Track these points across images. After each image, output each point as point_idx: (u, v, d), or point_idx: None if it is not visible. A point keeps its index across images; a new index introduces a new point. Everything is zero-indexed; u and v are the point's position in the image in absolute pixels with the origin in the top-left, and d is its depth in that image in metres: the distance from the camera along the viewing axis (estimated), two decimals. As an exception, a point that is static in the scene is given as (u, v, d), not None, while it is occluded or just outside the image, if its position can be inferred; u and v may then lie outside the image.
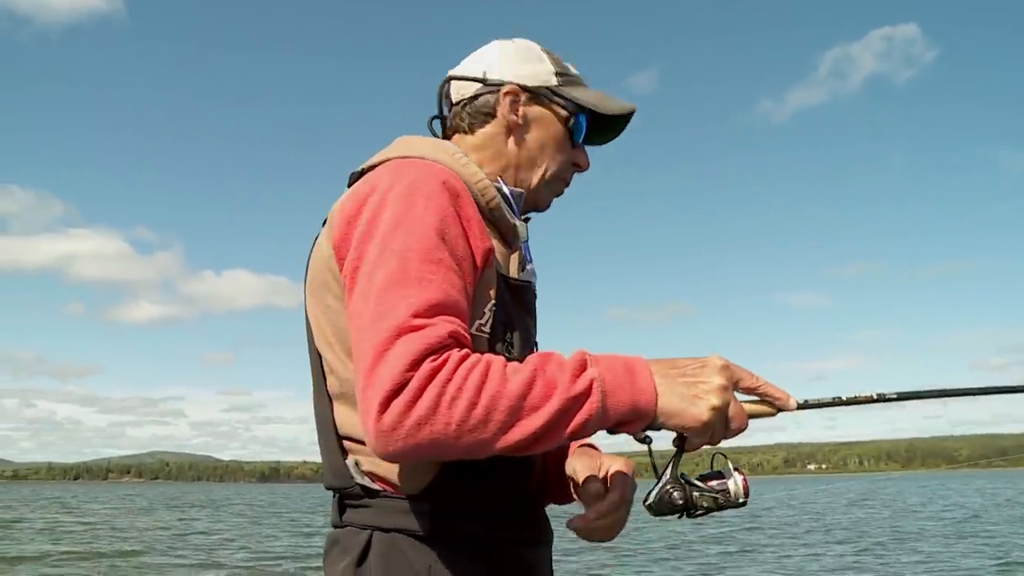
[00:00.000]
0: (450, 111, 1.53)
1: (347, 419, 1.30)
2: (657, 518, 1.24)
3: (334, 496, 1.36)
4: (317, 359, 1.35)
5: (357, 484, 1.28)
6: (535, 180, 1.48)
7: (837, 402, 1.27)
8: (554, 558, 1.44)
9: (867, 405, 1.29)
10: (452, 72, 1.53)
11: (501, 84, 1.47)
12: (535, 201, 1.52)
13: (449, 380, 1.04)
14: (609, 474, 1.39)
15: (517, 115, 1.46)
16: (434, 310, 1.11)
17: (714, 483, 1.22)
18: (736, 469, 1.23)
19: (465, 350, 1.10)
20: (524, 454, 1.09)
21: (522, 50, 1.51)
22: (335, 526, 1.36)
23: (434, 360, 1.06)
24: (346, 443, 1.31)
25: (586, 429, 1.09)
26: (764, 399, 1.22)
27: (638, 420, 1.12)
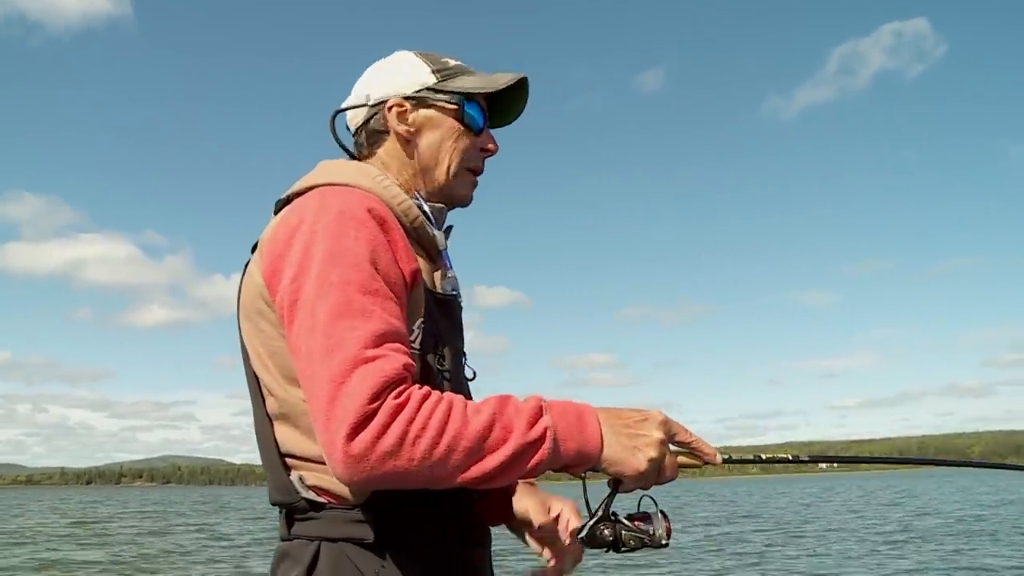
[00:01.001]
0: (353, 140, 1.59)
1: (288, 437, 1.35)
2: (587, 549, 1.36)
3: (280, 511, 1.41)
4: (255, 381, 1.40)
5: (303, 498, 1.33)
6: (442, 178, 1.53)
7: (757, 460, 1.45)
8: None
9: (784, 464, 1.47)
10: (341, 106, 1.58)
11: (384, 101, 1.52)
12: (451, 196, 1.56)
13: (413, 419, 1.12)
14: (560, 515, 1.49)
15: (407, 124, 1.51)
16: (381, 340, 1.17)
17: (641, 523, 1.32)
18: (662, 513, 1.34)
19: (426, 388, 1.18)
20: (478, 488, 1.20)
21: (396, 63, 1.57)
22: (283, 539, 1.40)
23: (397, 397, 1.13)
24: (289, 460, 1.36)
25: (537, 470, 1.20)
26: (694, 453, 1.35)
27: (583, 464, 1.24)
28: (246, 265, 1.45)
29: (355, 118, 1.57)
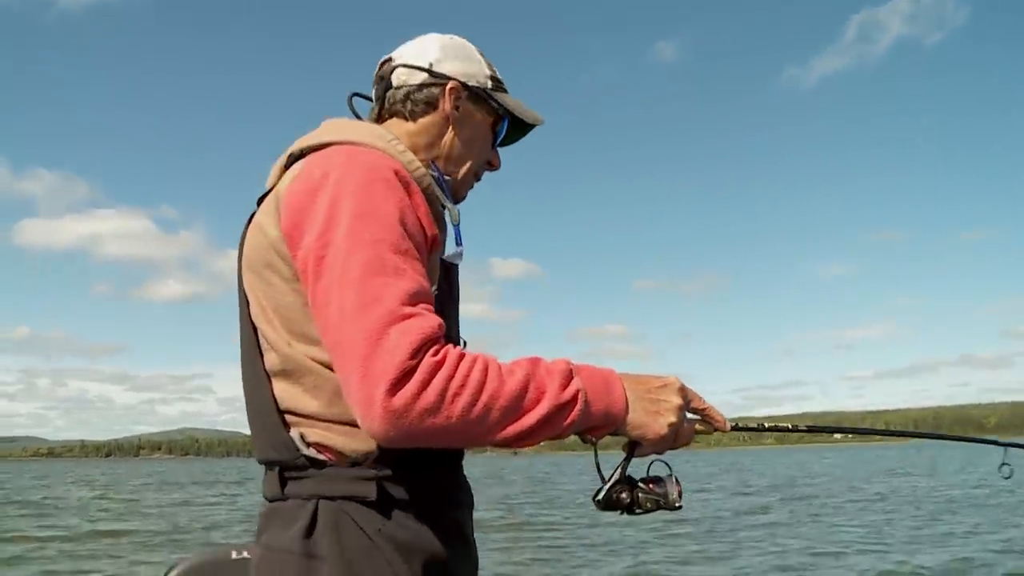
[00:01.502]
0: (385, 93, 1.56)
1: (289, 394, 1.33)
2: (603, 512, 1.38)
3: (270, 470, 1.39)
4: (252, 337, 1.39)
5: (303, 456, 1.32)
6: (460, 173, 1.56)
7: (761, 428, 1.56)
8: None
9: (785, 433, 1.62)
10: (397, 57, 1.57)
11: (447, 78, 1.52)
12: (455, 192, 1.57)
13: (452, 377, 1.13)
14: None
15: (458, 111, 1.54)
16: (415, 298, 1.18)
17: (655, 487, 1.36)
18: (674, 477, 1.38)
19: (460, 348, 1.19)
20: (510, 447, 1.22)
21: (463, 48, 1.58)
22: (273, 499, 1.38)
23: (435, 354, 1.13)
24: (288, 417, 1.34)
25: (567, 432, 1.23)
26: (706, 419, 1.42)
27: (608, 427, 1.28)
28: (250, 217, 1.45)
29: (408, 78, 1.54)
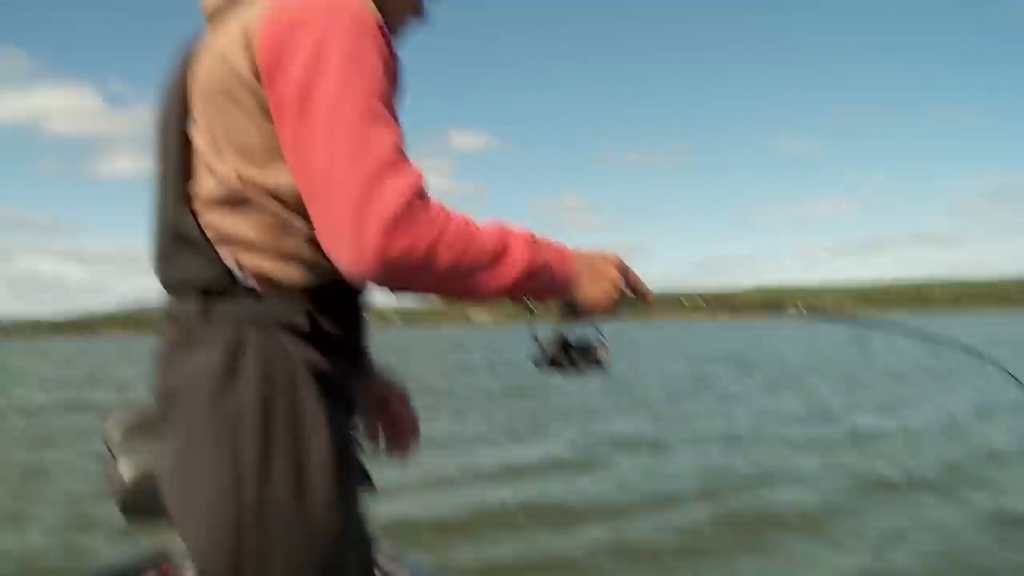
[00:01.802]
0: None
1: (225, 221, 1.31)
2: (540, 370, 1.49)
3: (184, 294, 1.35)
4: (180, 159, 1.37)
5: (237, 282, 1.31)
6: (396, 25, 1.53)
7: (679, 301, 1.66)
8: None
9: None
10: None
11: None
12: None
13: (443, 230, 1.17)
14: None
15: None
16: (401, 149, 1.19)
17: (589, 350, 1.48)
18: (604, 341, 1.49)
19: (441, 202, 1.21)
20: (475, 303, 1.29)
21: None
22: (189, 322, 1.33)
23: (426, 205, 1.17)
24: (219, 245, 1.32)
25: (531, 291, 1.31)
26: (636, 292, 1.48)
27: (558, 292, 1.36)
28: (200, 41, 1.41)
29: None
